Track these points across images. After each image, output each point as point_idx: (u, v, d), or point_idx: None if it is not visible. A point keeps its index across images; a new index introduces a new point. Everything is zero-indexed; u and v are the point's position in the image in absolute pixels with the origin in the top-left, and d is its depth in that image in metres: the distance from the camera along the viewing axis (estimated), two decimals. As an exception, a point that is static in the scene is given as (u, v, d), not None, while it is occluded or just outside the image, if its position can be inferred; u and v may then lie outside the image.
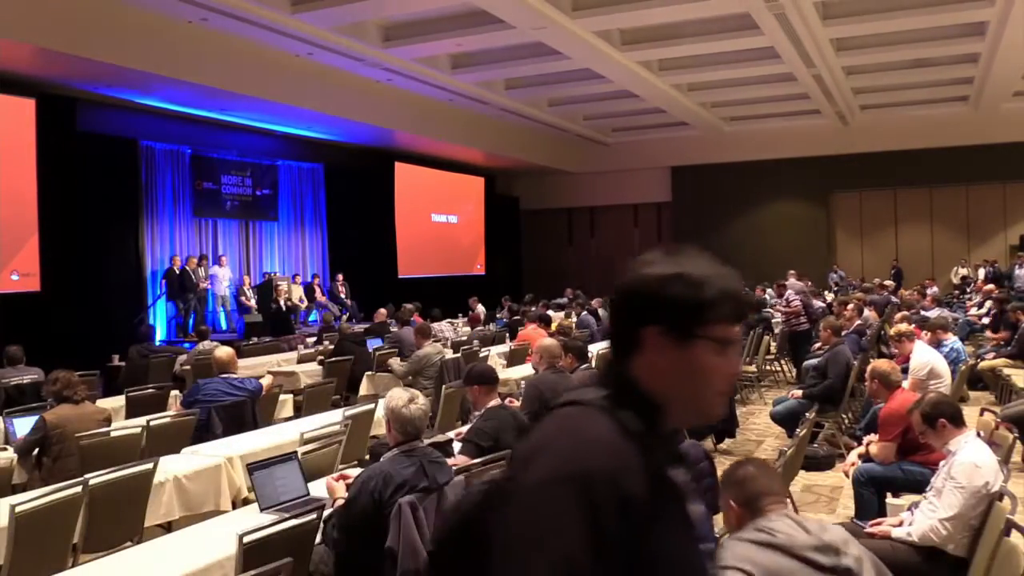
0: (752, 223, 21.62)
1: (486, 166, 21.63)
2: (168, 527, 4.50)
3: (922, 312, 11.12)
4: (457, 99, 16.14)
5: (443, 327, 11.76)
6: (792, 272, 13.98)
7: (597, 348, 8.73)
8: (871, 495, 4.44)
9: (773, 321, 12.17)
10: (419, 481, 3.20)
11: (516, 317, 13.32)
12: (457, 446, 4.40)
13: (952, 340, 7.72)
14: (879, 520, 3.79)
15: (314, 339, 12.06)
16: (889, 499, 4.49)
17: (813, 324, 11.27)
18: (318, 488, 3.90)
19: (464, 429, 5.29)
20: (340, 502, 3.31)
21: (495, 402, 4.56)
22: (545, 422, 1.11)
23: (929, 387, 5.61)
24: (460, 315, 14.66)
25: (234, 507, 4.60)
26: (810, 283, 16.94)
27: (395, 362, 8.29)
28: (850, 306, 9.94)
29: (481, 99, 16.19)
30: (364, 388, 8.44)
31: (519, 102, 16.81)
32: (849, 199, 21.24)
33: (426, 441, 3.44)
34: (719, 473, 2.73)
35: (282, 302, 13.77)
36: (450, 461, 3.73)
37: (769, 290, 15.19)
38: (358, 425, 5.59)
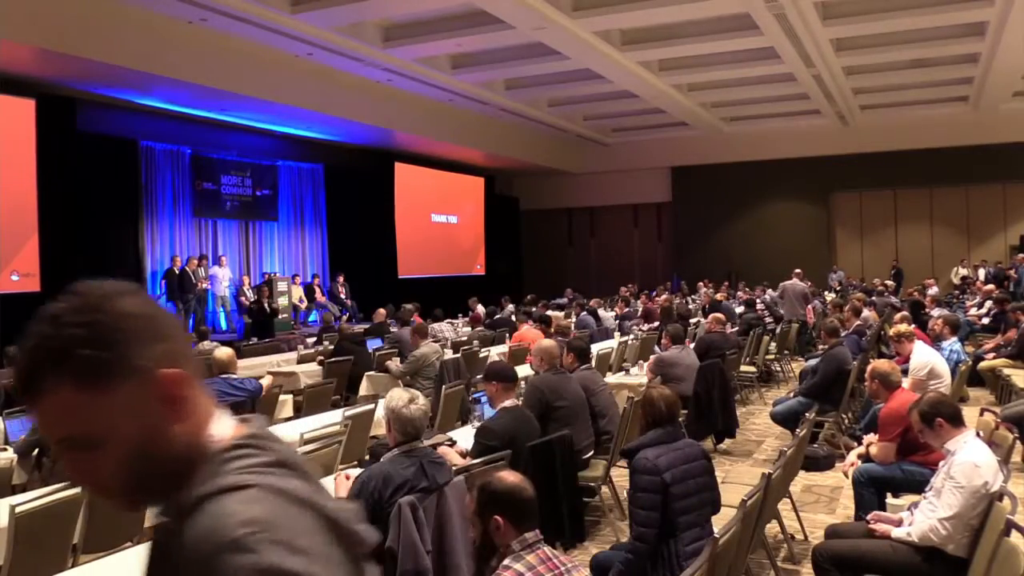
0: (752, 223, 21.61)
1: (486, 166, 21.62)
2: (168, 527, 4.49)
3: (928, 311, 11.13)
4: (457, 99, 16.14)
5: (443, 327, 11.76)
6: (798, 271, 13.82)
7: (597, 348, 8.73)
8: (871, 495, 4.44)
9: (767, 321, 12.17)
10: (419, 481, 3.20)
11: (497, 317, 13.14)
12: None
13: (952, 341, 7.72)
14: (878, 513, 3.79)
15: (314, 339, 12.05)
16: (889, 499, 4.48)
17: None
18: (318, 488, 3.88)
19: (464, 430, 5.28)
20: (340, 502, 3.30)
21: (511, 402, 4.53)
22: None
23: (929, 387, 5.60)
24: (460, 315, 14.66)
25: (234, 507, 4.58)
26: (810, 284, 16.95)
27: (393, 363, 8.28)
28: (846, 308, 9.89)
29: (481, 99, 16.19)
30: (364, 388, 8.43)
31: (519, 102, 16.80)
32: (849, 199, 21.24)
33: (426, 442, 3.44)
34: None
35: (265, 303, 13.59)
36: (450, 460, 3.73)
37: (770, 290, 15.16)
38: (358, 425, 5.58)
